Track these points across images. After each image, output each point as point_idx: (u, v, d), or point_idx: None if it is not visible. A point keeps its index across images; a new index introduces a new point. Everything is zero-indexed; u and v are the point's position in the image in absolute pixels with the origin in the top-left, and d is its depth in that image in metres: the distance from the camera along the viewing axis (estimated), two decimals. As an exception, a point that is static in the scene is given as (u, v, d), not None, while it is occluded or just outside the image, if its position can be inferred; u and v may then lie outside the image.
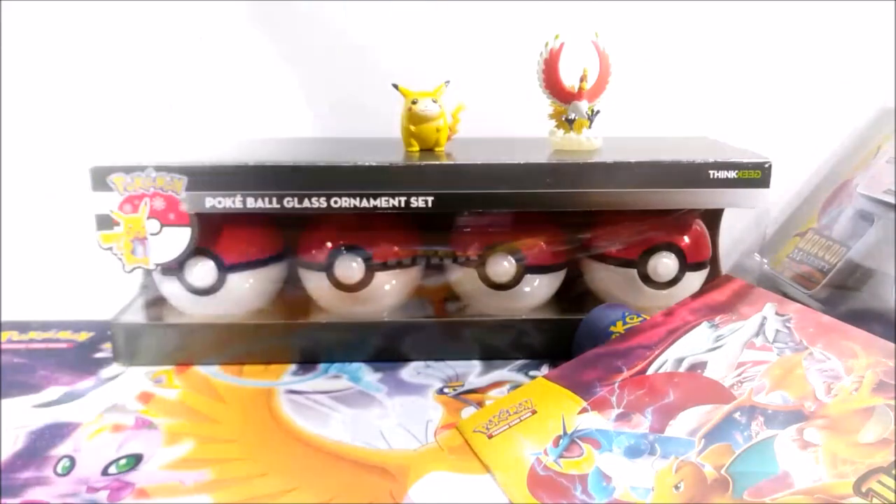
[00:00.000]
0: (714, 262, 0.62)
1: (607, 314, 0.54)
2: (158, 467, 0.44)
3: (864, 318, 0.51)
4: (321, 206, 0.54)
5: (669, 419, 0.42)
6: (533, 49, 0.58)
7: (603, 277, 0.60)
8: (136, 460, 0.45)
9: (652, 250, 0.58)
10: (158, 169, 0.53)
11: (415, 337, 0.58)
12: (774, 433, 0.38)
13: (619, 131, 0.69)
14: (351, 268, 0.57)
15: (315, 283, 0.59)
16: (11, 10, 0.64)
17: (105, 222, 0.53)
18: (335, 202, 0.54)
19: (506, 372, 0.57)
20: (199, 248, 0.55)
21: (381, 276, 0.58)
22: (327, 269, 0.57)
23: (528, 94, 0.60)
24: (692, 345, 0.47)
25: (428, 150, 0.58)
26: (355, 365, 0.58)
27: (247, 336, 0.58)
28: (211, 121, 0.67)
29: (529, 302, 0.60)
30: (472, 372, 0.57)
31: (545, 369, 0.57)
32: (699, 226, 0.60)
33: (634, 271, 0.58)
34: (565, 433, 0.44)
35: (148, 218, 0.53)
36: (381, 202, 0.54)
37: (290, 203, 0.53)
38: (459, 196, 0.54)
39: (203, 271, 0.56)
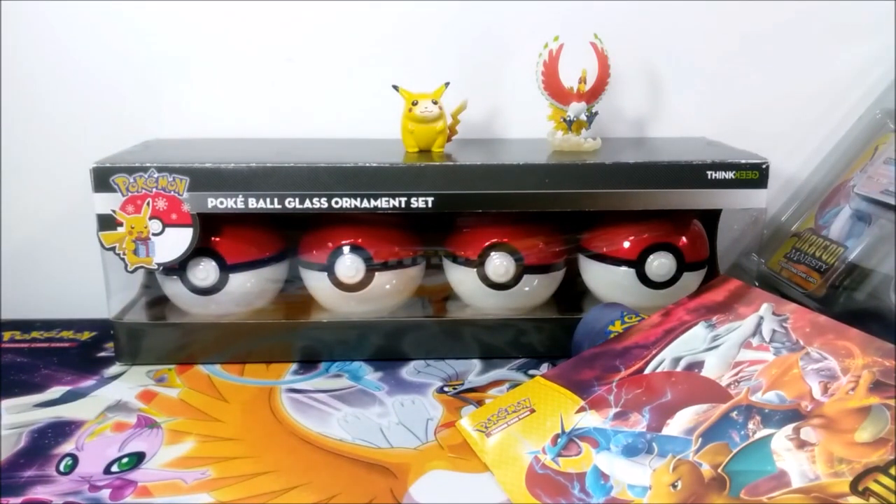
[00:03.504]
0: (712, 262, 0.62)
1: (605, 314, 0.54)
2: (160, 466, 0.45)
3: (861, 318, 0.51)
4: (322, 206, 0.54)
5: (667, 418, 0.42)
6: (532, 50, 0.59)
7: (601, 277, 0.60)
8: (137, 459, 0.45)
9: (650, 250, 0.58)
10: (161, 169, 0.53)
11: (415, 336, 0.58)
12: (771, 432, 0.39)
13: (618, 132, 0.69)
14: (351, 268, 0.57)
15: (316, 283, 0.59)
16: (11, 10, 0.64)
17: (107, 222, 0.54)
18: (336, 202, 0.54)
19: (505, 371, 0.57)
20: (200, 248, 0.55)
21: (381, 276, 0.58)
22: (328, 268, 0.58)
23: (528, 95, 0.60)
24: (689, 344, 0.48)
25: (428, 150, 0.59)
26: (356, 364, 0.58)
27: (248, 335, 0.58)
28: (212, 121, 0.67)
29: (528, 301, 0.60)
30: (472, 371, 0.57)
31: (544, 368, 0.57)
32: (697, 226, 0.61)
33: (633, 271, 0.58)
34: (563, 432, 0.44)
35: (150, 218, 0.54)
36: (382, 202, 0.54)
37: (292, 203, 0.54)
38: (459, 196, 0.54)
39: (205, 271, 0.57)
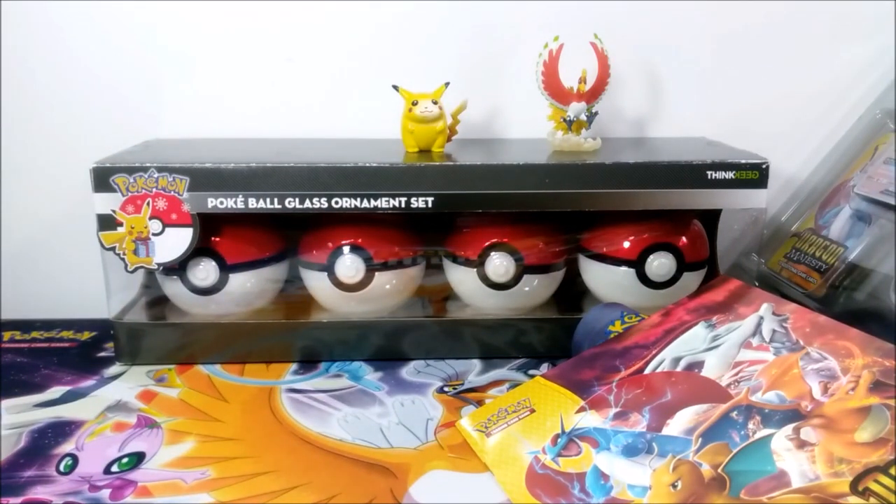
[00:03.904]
0: (712, 262, 0.62)
1: (605, 314, 0.54)
2: (160, 466, 0.45)
3: (861, 318, 0.51)
4: (322, 206, 0.54)
5: (667, 418, 0.42)
6: (532, 50, 0.59)
7: (601, 277, 0.60)
8: (137, 459, 0.45)
9: (650, 250, 0.58)
10: (161, 169, 0.53)
11: (415, 336, 0.58)
12: (771, 432, 0.39)
13: (618, 132, 0.69)
14: (351, 268, 0.57)
15: (316, 283, 0.59)
16: (11, 10, 0.64)
17: (107, 222, 0.54)
18: (336, 202, 0.54)
19: (505, 371, 0.57)
20: (200, 248, 0.55)
21: (381, 276, 0.58)
22: (328, 268, 0.58)
23: (528, 95, 0.60)
24: (689, 344, 0.48)
25: (428, 150, 0.59)
26: (356, 364, 0.58)
27: (248, 335, 0.58)
28: (212, 121, 0.67)
29: (528, 301, 0.60)
30: (472, 371, 0.57)
31: (544, 368, 0.57)
32: (697, 226, 0.61)
33: (633, 271, 0.58)
34: (563, 432, 0.44)
35: (150, 218, 0.54)
36: (382, 202, 0.54)
37: (292, 203, 0.54)
38: (459, 196, 0.54)
39: (205, 271, 0.57)
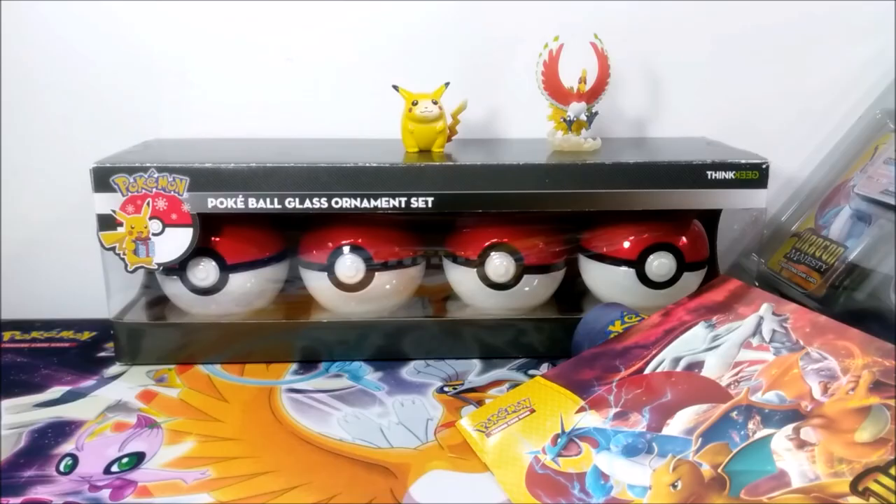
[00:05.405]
0: (712, 262, 0.62)
1: (605, 314, 0.54)
2: (160, 466, 0.45)
3: (861, 318, 0.51)
4: (322, 206, 0.54)
5: (667, 418, 0.42)
6: (532, 50, 0.59)
7: (601, 277, 0.60)
8: (137, 459, 0.45)
9: (650, 250, 0.58)
10: (161, 169, 0.53)
11: (415, 336, 0.58)
12: (771, 432, 0.39)
13: (618, 132, 0.69)
14: (351, 268, 0.57)
15: (316, 283, 0.59)
16: (11, 10, 0.64)
17: (107, 222, 0.54)
18: (336, 202, 0.54)
19: (505, 371, 0.57)
20: (200, 248, 0.55)
21: (381, 276, 0.58)
22: (328, 268, 0.58)
23: (528, 95, 0.60)
24: (689, 344, 0.48)
25: (428, 150, 0.59)
26: (356, 364, 0.58)
27: (248, 335, 0.58)
28: (212, 121, 0.67)
29: (528, 301, 0.60)
30: (472, 371, 0.57)
31: (544, 368, 0.57)
32: (697, 226, 0.61)
33: (633, 271, 0.58)
34: (563, 432, 0.44)
35: (150, 218, 0.54)
36: (382, 202, 0.54)
37: (292, 203, 0.54)
38: (459, 196, 0.54)
39: (205, 271, 0.57)
